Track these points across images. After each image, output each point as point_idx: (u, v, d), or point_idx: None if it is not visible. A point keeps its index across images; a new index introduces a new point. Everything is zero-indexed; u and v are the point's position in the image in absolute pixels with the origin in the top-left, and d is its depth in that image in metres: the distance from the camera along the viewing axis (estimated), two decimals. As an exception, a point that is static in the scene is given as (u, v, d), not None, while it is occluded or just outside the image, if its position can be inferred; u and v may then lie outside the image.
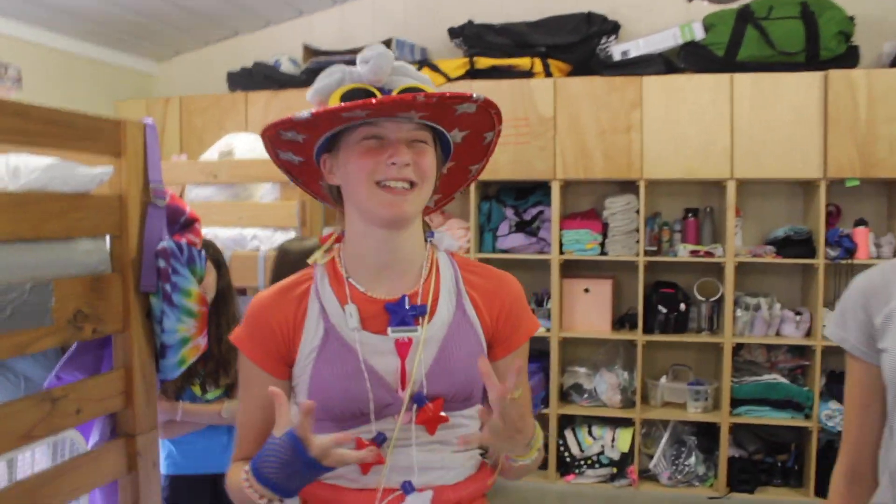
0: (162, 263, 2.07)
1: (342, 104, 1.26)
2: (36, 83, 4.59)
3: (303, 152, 1.40)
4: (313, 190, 1.50)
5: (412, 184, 1.31)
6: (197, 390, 2.53)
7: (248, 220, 3.19)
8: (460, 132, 1.41)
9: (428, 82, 1.37)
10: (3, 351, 1.68)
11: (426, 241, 1.45)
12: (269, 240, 3.14)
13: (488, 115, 1.38)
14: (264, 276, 3.10)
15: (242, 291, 3.61)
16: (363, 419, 1.33)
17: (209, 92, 5.40)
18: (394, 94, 1.29)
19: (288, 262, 2.15)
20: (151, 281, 2.06)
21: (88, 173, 1.91)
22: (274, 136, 1.36)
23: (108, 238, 2.03)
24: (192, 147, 4.96)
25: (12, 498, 1.70)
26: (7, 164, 1.83)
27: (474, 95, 1.30)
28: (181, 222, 2.25)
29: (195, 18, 5.05)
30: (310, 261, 1.44)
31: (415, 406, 1.33)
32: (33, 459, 1.87)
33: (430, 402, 1.33)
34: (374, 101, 1.24)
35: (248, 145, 3.48)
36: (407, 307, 1.36)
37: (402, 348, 1.35)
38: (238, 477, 1.28)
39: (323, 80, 1.34)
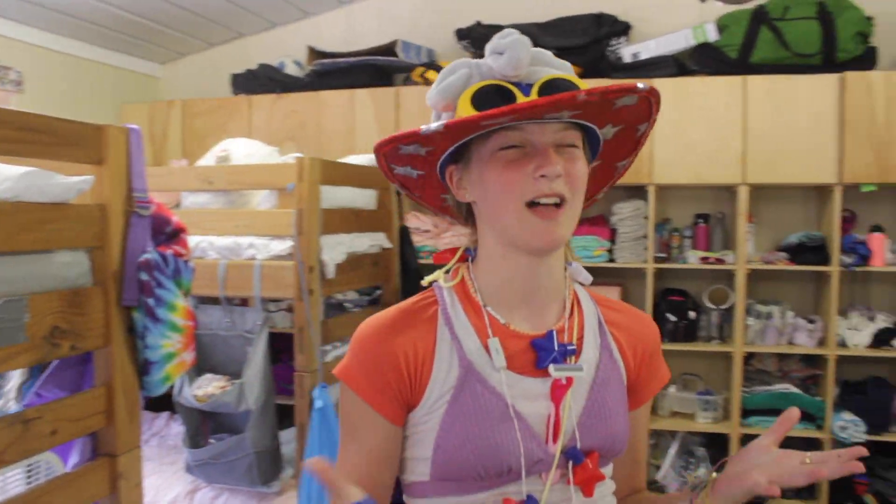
0: (145, 276, 1.99)
1: (484, 112, 1.02)
2: (39, 86, 4.54)
3: (424, 165, 1.20)
4: (434, 205, 1.30)
5: (563, 199, 1.09)
6: None
7: (244, 229, 3.09)
8: (613, 127, 1.18)
9: (569, 69, 1.15)
10: (-28, 370, 1.61)
11: (565, 269, 1.24)
12: (265, 248, 3.04)
13: (647, 104, 1.13)
14: (260, 286, 3.01)
15: (244, 302, 3.54)
16: (511, 477, 1.11)
17: (214, 94, 5.34)
18: (535, 87, 1.08)
19: None
20: (133, 295, 1.98)
21: (66, 182, 1.83)
22: (390, 152, 1.16)
23: (87, 250, 1.95)
24: (194, 151, 4.90)
25: (-18, 524, 1.63)
26: (-20, 174, 1.76)
27: (640, 85, 1.06)
28: (167, 232, 2.17)
29: (199, 20, 4.99)
30: (424, 282, 1.23)
31: (570, 462, 1.13)
32: (5, 484, 1.79)
33: (586, 456, 1.14)
34: (525, 104, 1.00)
35: (245, 151, 3.40)
36: (554, 343, 1.15)
37: (558, 392, 1.13)
38: None
39: (447, 76, 1.12)
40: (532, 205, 1.08)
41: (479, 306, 1.17)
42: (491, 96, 1.07)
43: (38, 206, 1.77)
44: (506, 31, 1.11)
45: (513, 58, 1.07)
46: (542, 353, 1.14)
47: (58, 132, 1.86)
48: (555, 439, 1.12)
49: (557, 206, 1.08)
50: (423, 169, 1.20)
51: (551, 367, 1.13)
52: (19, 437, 1.69)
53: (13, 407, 2.43)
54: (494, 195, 1.10)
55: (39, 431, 1.74)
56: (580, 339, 1.19)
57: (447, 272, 1.23)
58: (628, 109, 1.13)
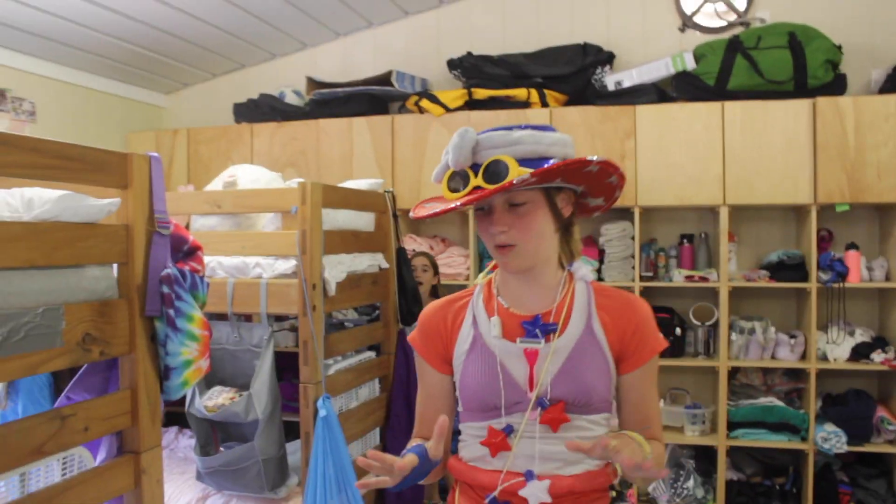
0: (166, 289, 2.18)
1: (430, 212, 1.56)
2: (50, 116, 4.75)
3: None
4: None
5: (509, 245, 1.54)
6: None
7: (250, 249, 3.28)
8: (563, 182, 1.57)
9: (520, 142, 1.50)
10: (16, 371, 1.79)
11: (565, 269, 1.67)
12: (270, 268, 3.23)
13: (556, 171, 1.48)
14: (266, 303, 3.20)
15: (248, 318, 3.72)
16: (496, 412, 1.57)
17: (217, 123, 5.56)
18: (480, 171, 1.49)
19: None
20: (156, 306, 2.17)
21: (97, 204, 2.02)
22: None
23: (115, 265, 2.14)
24: (199, 177, 5.10)
25: (24, 510, 1.80)
26: (22, 196, 1.95)
27: (528, 174, 1.42)
28: (184, 250, 2.36)
29: (202, 52, 5.22)
30: (475, 282, 1.75)
31: (540, 407, 1.55)
32: (44, 474, 1.97)
33: (553, 403, 1.54)
34: (454, 205, 1.50)
35: (251, 176, 3.59)
36: (539, 323, 1.59)
37: (531, 357, 1.57)
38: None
39: (440, 163, 1.58)
40: (496, 247, 1.56)
41: (493, 295, 1.66)
42: (455, 179, 1.54)
43: (72, 226, 1.96)
44: (459, 130, 1.52)
45: (454, 158, 1.51)
46: (526, 328, 1.59)
47: (88, 160, 2.06)
48: (531, 389, 1.55)
49: (509, 247, 1.54)
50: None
51: (518, 340, 1.59)
52: (57, 432, 1.87)
53: (8, 409, 2.65)
54: (482, 238, 1.60)
55: (74, 427, 1.92)
56: (567, 319, 1.59)
57: (486, 275, 1.74)
58: (558, 173, 1.49)
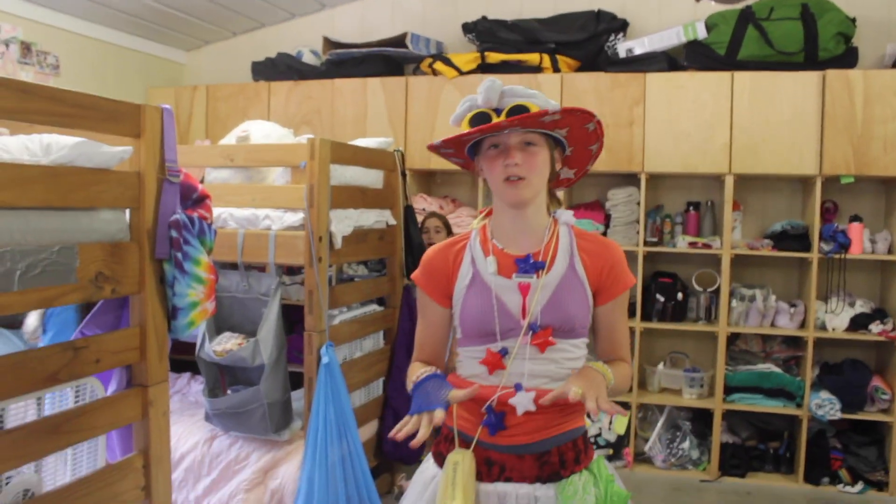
0: (174, 234, 2.31)
1: (464, 132, 1.78)
2: (73, 70, 4.88)
3: (460, 157, 1.94)
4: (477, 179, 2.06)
5: (521, 177, 1.76)
6: None
7: (261, 202, 3.40)
8: (562, 129, 1.83)
9: (535, 97, 1.77)
10: (32, 303, 1.93)
11: (551, 215, 1.91)
12: (279, 220, 3.35)
13: (575, 115, 1.77)
14: (274, 254, 3.33)
15: (262, 268, 3.85)
16: (493, 337, 1.82)
17: (236, 81, 5.66)
18: (504, 112, 1.76)
19: None
20: (165, 249, 2.30)
21: (110, 151, 2.14)
22: (437, 152, 1.91)
23: (127, 210, 2.27)
24: (217, 133, 5.22)
25: (41, 430, 1.95)
26: (41, 142, 2.07)
27: (550, 110, 1.72)
28: (193, 198, 2.49)
29: (223, 10, 5.31)
30: (470, 227, 1.96)
31: (531, 332, 1.79)
32: (59, 400, 2.12)
33: (542, 329, 1.79)
34: (481, 127, 1.73)
35: (263, 131, 3.70)
36: (530, 262, 1.83)
37: (524, 290, 1.81)
38: (415, 372, 1.86)
39: (459, 108, 1.82)
40: (506, 180, 1.77)
41: (488, 238, 1.89)
42: (478, 118, 1.78)
43: (87, 171, 2.09)
44: (488, 79, 1.77)
45: (485, 97, 1.77)
46: (519, 266, 1.83)
47: (103, 109, 2.18)
48: (524, 318, 1.80)
49: (519, 179, 1.77)
50: (461, 158, 1.95)
51: (514, 275, 1.83)
52: (70, 362, 2.02)
53: (42, 341, 2.81)
54: (488, 175, 1.83)
55: (86, 358, 2.06)
56: (553, 258, 1.84)
57: (481, 220, 1.96)
58: (565, 120, 1.78)
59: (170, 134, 2.37)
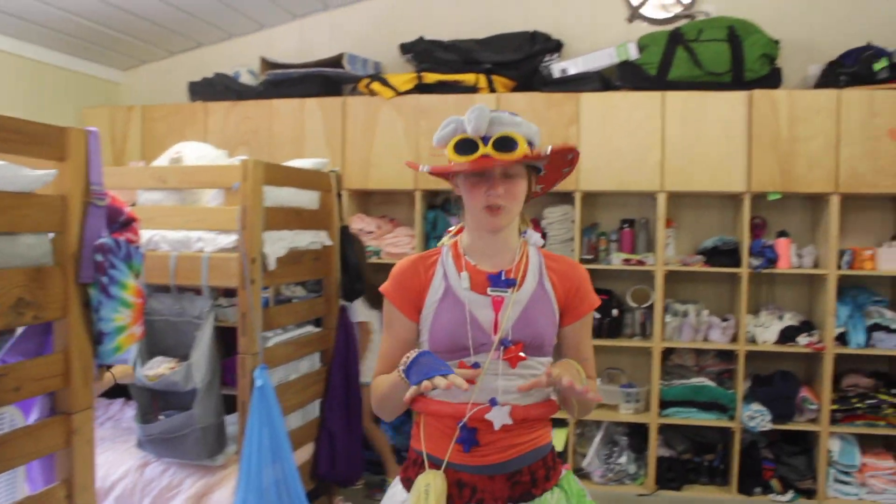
0: (100, 258, 2.28)
1: (447, 165, 1.88)
2: (4, 90, 4.78)
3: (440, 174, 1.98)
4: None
5: (501, 207, 1.84)
6: None
7: (193, 224, 3.36)
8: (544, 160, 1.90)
9: (520, 125, 1.83)
10: (-53, 331, 1.89)
11: (520, 236, 1.99)
12: (212, 242, 3.32)
13: (563, 152, 1.87)
14: (207, 276, 3.29)
15: (198, 291, 3.80)
16: (465, 352, 1.86)
17: (172, 101, 5.60)
18: (490, 141, 1.80)
19: None
20: (89, 274, 2.27)
21: (32, 175, 2.11)
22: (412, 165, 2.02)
23: (51, 234, 2.23)
24: (153, 154, 5.12)
25: (-47, 463, 1.90)
26: (-43, 166, 2.04)
27: (543, 154, 1.80)
28: (120, 221, 2.46)
29: (159, 30, 5.26)
30: (440, 244, 2.04)
31: (502, 347, 1.85)
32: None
33: (513, 345, 1.85)
34: (466, 165, 1.81)
35: (197, 153, 3.67)
36: (503, 278, 1.89)
37: (497, 305, 1.88)
38: (385, 380, 1.88)
39: (443, 130, 1.87)
40: (486, 208, 1.84)
41: (461, 254, 1.95)
42: (464, 145, 1.83)
43: (7, 195, 2.05)
44: (476, 105, 1.82)
45: (475, 125, 1.81)
46: (493, 282, 1.90)
47: (26, 132, 2.14)
48: (495, 333, 1.86)
49: (499, 209, 1.84)
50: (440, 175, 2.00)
51: (489, 290, 1.89)
52: (-12, 390, 1.98)
53: None
54: (468, 200, 1.89)
55: (5, 387, 2.02)
56: (523, 276, 1.91)
57: (452, 236, 2.04)
58: (553, 155, 1.85)
59: (96, 156, 2.34)
